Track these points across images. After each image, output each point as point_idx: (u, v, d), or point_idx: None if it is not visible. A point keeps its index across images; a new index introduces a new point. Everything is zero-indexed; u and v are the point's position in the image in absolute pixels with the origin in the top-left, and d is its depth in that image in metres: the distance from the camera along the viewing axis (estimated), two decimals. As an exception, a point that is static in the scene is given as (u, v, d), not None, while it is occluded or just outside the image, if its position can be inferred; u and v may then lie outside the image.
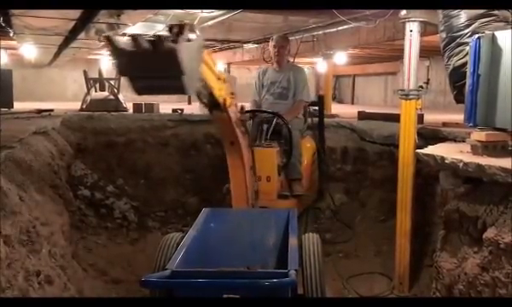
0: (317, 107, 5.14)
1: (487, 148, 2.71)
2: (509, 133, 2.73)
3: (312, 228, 4.54)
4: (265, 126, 4.32)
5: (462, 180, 2.83)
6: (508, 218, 2.28)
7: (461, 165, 2.62)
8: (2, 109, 6.47)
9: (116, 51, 2.10)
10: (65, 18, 4.52)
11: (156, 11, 5.02)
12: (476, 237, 2.46)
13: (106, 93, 8.67)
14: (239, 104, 3.26)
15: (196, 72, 2.27)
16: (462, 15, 3.14)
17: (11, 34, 5.95)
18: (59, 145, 4.86)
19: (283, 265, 2.44)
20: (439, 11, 3.32)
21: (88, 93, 8.62)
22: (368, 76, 14.21)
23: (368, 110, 7.39)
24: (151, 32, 2.46)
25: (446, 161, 2.75)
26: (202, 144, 5.96)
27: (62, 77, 13.24)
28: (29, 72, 11.94)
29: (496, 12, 3.07)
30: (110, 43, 2.09)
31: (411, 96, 3.86)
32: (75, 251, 3.93)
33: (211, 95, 2.79)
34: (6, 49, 8.95)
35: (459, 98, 3.21)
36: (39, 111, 6.71)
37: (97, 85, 8.96)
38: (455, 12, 3.17)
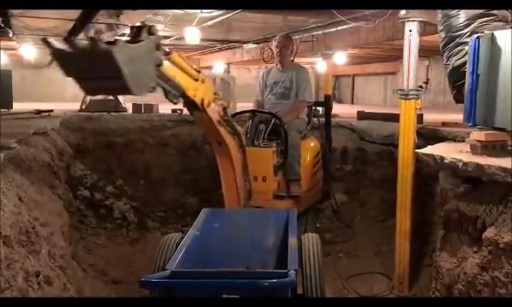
0: (319, 108, 5.14)
1: (487, 148, 2.71)
2: (508, 133, 2.73)
3: (312, 228, 4.54)
4: (262, 126, 4.32)
5: (461, 180, 2.83)
6: (507, 218, 2.27)
7: (460, 164, 2.62)
8: (2, 110, 6.47)
9: (55, 53, 2.13)
10: (64, 18, 4.52)
11: (155, 11, 5.02)
12: (476, 237, 2.46)
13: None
14: (220, 103, 3.25)
15: (144, 73, 2.27)
16: (462, 15, 3.13)
17: (10, 35, 5.96)
18: (58, 145, 4.85)
19: (283, 265, 2.44)
20: (439, 11, 3.32)
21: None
22: (367, 76, 14.22)
23: (367, 110, 7.39)
24: (91, 34, 2.51)
25: (446, 161, 2.75)
26: (202, 144, 5.96)
27: (62, 77, 13.06)
28: (28, 72, 11.92)
29: (495, 12, 3.07)
30: (48, 46, 2.11)
31: (411, 96, 3.86)
32: (75, 252, 3.92)
33: (184, 95, 2.81)
34: (5, 49, 8.95)
35: (458, 98, 3.21)
36: (39, 111, 6.70)
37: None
38: (454, 12, 3.17)
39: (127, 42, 2.20)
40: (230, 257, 2.96)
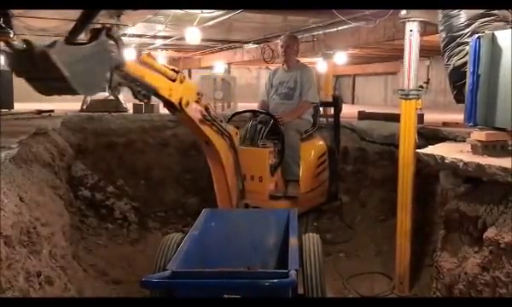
0: (321, 108, 5.12)
1: (487, 148, 2.70)
2: (508, 133, 2.72)
3: (313, 228, 4.54)
4: (260, 126, 4.32)
5: (462, 179, 2.83)
6: (508, 218, 2.27)
7: (461, 164, 2.61)
8: (3, 110, 6.47)
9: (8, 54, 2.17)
10: (65, 19, 4.53)
11: (156, 11, 5.03)
12: (476, 237, 2.46)
13: (106, 93, 8.63)
14: (204, 104, 3.28)
15: (93, 73, 2.29)
16: (462, 15, 3.13)
17: (11, 35, 5.96)
18: (59, 146, 4.85)
19: (284, 265, 2.44)
20: (439, 11, 3.32)
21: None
22: (368, 76, 14.24)
23: (368, 110, 7.38)
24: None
25: (446, 161, 2.75)
26: (202, 144, 5.96)
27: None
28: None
29: (496, 12, 3.07)
30: (10, 47, 2.14)
31: (411, 96, 3.85)
32: (75, 252, 3.93)
33: (158, 95, 2.86)
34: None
35: (459, 98, 3.21)
36: (39, 112, 6.70)
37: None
38: (455, 12, 3.17)
39: (82, 43, 2.22)
40: (231, 257, 2.97)
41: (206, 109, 3.28)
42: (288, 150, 4.29)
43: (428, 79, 10.53)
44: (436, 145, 3.42)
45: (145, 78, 2.72)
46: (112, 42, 2.37)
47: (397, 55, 9.42)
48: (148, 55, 2.78)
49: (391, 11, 4.45)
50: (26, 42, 2.07)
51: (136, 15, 4.69)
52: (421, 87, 3.97)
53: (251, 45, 9.12)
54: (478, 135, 2.77)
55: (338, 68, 11.55)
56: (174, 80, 2.96)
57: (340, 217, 5.37)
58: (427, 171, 4.03)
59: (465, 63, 3.01)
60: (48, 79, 2.17)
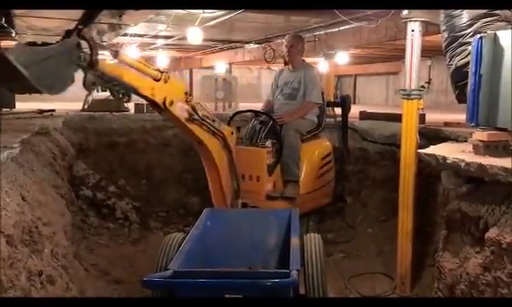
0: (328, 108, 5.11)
1: (489, 148, 2.70)
2: (510, 133, 2.72)
3: (314, 228, 4.53)
4: (259, 126, 4.32)
5: (463, 180, 2.83)
6: (510, 218, 2.27)
7: (463, 164, 2.61)
8: (4, 109, 6.47)
9: None
10: (67, 18, 4.53)
11: (158, 11, 5.03)
12: (478, 237, 2.45)
13: (107, 93, 8.64)
14: (191, 104, 3.28)
15: (56, 73, 2.29)
16: (464, 15, 3.13)
17: (13, 35, 5.97)
18: (61, 145, 4.86)
19: (285, 265, 2.44)
20: (441, 11, 3.32)
21: (89, 93, 8.58)
22: (369, 76, 14.21)
23: (369, 110, 7.37)
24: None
25: (448, 161, 2.74)
26: (203, 144, 5.96)
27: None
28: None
29: (498, 12, 3.06)
30: None
31: (413, 96, 3.85)
32: (77, 252, 3.93)
33: (139, 94, 2.88)
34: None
35: (461, 98, 3.21)
36: (41, 111, 6.70)
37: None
38: (457, 12, 3.17)
39: (48, 44, 2.24)
40: (232, 257, 2.97)
41: (193, 109, 3.29)
42: (287, 150, 4.28)
43: (430, 79, 10.52)
44: (438, 145, 3.42)
45: (123, 78, 2.74)
46: (83, 41, 2.38)
47: (398, 55, 9.40)
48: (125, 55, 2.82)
49: (393, 11, 4.45)
50: None
51: (137, 15, 4.69)
52: (423, 87, 3.97)
53: (252, 45, 9.11)
54: (480, 135, 2.77)
55: (339, 68, 11.54)
56: (159, 80, 2.97)
57: (343, 218, 5.36)
58: (428, 171, 4.02)
59: (467, 63, 3.01)
60: (15, 80, 2.18)
